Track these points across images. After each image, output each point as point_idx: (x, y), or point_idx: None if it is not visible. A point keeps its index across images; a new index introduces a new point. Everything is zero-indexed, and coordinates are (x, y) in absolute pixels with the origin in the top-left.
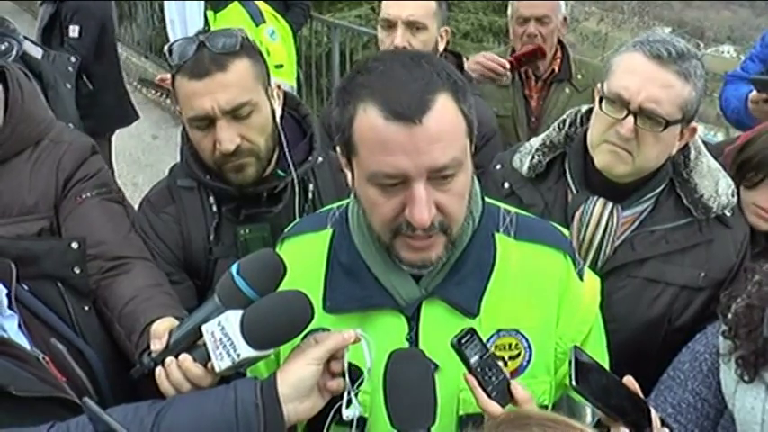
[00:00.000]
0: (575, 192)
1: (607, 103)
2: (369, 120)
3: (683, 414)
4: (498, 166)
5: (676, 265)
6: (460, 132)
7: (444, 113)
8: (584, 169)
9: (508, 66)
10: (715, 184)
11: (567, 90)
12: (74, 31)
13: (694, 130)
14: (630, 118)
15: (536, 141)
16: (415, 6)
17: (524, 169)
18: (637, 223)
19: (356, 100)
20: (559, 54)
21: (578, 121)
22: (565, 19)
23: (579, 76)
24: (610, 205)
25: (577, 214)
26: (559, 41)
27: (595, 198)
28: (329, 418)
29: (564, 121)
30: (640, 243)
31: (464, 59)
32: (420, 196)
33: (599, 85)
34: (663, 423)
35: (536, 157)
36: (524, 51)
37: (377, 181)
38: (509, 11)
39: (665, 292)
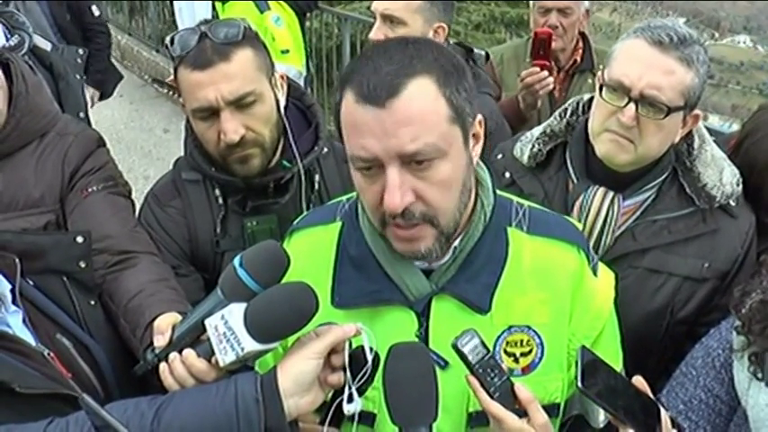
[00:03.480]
0: (575, 181)
1: (608, 90)
2: (347, 103)
3: (695, 411)
4: (499, 156)
5: (679, 256)
6: (439, 118)
7: (418, 97)
8: (585, 158)
9: (544, 72)
10: (719, 173)
11: (590, 80)
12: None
13: (697, 118)
14: (632, 105)
15: (537, 130)
16: (393, 1)
17: (525, 158)
18: (639, 213)
19: (342, 85)
20: (581, 45)
21: (580, 109)
22: (587, 11)
23: (601, 66)
24: (610, 194)
25: (577, 203)
26: (581, 32)
27: (596, 187)
28: (330, 413)
29: (565, 109)
30: (642, 233)
31: (474, 52)
32: (391, 181)
33: (599, 73)
34: (673, 423)
35: (536, 145)
36: (537, 37)
37: (356, 165)
38: (531, 0)
39: (668, 283)
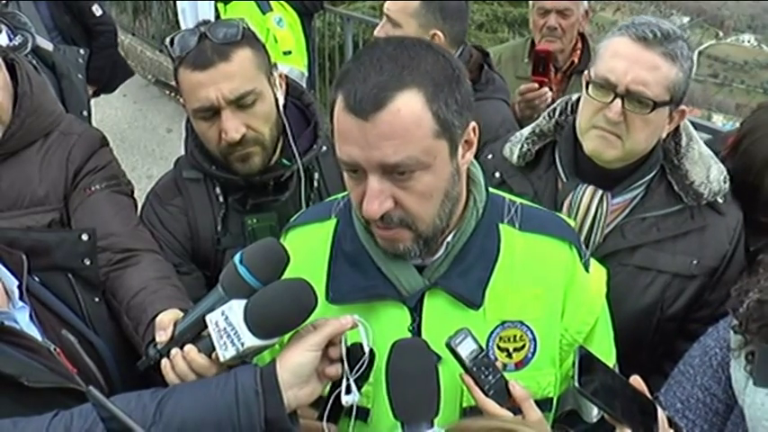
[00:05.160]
0: (565, 180)
1: (594, 87)
2: (337, 108)
3: (692, 410)
4: (489, 156)
5: (668, 253)
6: (423, 132)
7: (403, 112)
8: (574, 157)
9: (544, 87)
10: (706, 170)
11: None
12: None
13: (683, 113)
14: (618, 101)
15: (526, 130)
16: (393, 1)
17: (514, 158)
18: (628, 210)
19: (337, 86)
20: (579, 45)
21: (569, 109)
22: (587, 12)
23: None
24: (599, 192)
25: (567, 202)
26: (580, 33)
27: (585, 186)
28: (328, 406)
29: (554, 109)
30: (631, 230)
31: (490, 55)
32: (371, 188)
33: (586, 71)
34: (670, 423)
35: (525, 145)
36: (537, 55)
37: (343, 167)
38: (530, 1)
39: (657, 280)
